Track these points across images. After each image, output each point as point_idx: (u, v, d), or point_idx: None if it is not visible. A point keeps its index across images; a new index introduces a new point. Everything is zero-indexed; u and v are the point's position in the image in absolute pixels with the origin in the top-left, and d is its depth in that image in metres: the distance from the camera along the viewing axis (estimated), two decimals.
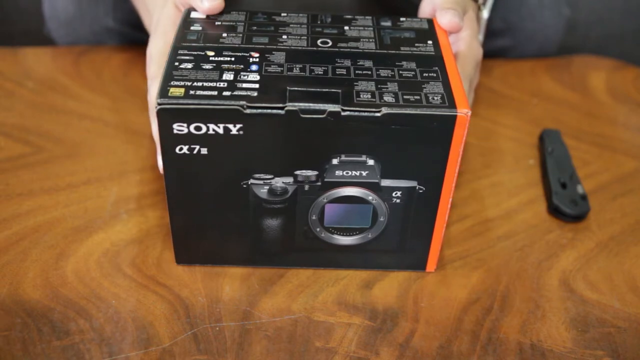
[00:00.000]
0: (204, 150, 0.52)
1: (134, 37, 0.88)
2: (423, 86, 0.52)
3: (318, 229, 0.57)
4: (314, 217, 0.56)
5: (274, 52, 0.55)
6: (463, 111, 0.50)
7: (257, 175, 0.53)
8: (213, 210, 0.56)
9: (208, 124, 0.50)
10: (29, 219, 0.63)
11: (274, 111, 0.50)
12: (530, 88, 0.85)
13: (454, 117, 0.50)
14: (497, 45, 0.90)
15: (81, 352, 0.52)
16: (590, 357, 0.55)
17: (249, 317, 0.56)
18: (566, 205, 0.66)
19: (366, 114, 0.50)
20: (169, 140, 0.51)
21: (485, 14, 0.70)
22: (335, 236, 0.57)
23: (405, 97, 0.51)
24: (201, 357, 0.53)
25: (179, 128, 0.50)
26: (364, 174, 0.54)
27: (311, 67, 0.53)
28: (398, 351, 0.54)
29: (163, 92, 0.50)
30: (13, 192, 0.65)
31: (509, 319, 0.57)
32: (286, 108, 0.50)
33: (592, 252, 0.64)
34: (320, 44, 0.56)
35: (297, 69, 0.53)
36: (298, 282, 0.59)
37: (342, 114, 0.50)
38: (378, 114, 0.50)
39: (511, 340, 0.56)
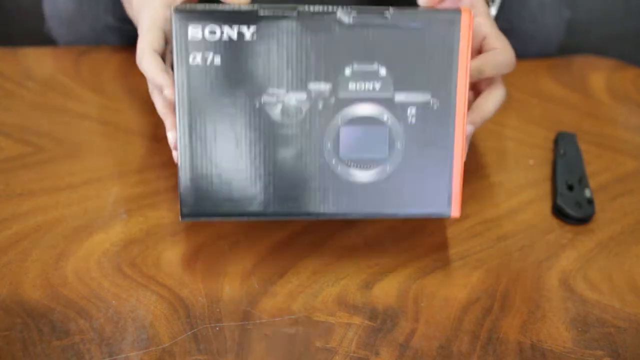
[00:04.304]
0: (217, 60, 0.52)
1: (135, 34, 0.87)
2: None
3: (334, 161, 0.56)
4: (329, 145, 0.55)
5: None
6: (467, 12, 0.54)
7: (270, 91, 0.53)
8: (224, 137, 0.55)
9: (223, 26, 0.52)
10: (29, 219, 0.63)
11: (287, 12, 0.52)
12: (530, 88, 0.85)
13: (459, 16, 0.53)
14: None
15: (81, 352, 0.52)
16: (590, 357, 0.55)
17: (249, 317, 0.56)
18: (570, 207, 0.66)
19: (375, 15, 0.53)
20: (183, 48, 0.52)
21: (493, 11, 0.71)
22: (352, 170, 0.56)
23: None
24: (201, 357, 0.53)
25: (194, 32, 0.52)
26: (377, 86, 0.54)
27: None
28: (398, 351, 0.54)
29: None
30: (13, 192, 0.65)
31: (509, 319, 0.57)
32: (299, 9, 0.52)
33: (592, 252, 0.64)
34: None
35: None
36: (298, 282, 0.59)
37: (352, 16, 0.52)
38: (387, 16, 0.52)
39: (511, 340, 0.56)
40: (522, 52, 0.91)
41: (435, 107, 0.55)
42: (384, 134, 0.55)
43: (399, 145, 0.56)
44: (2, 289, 0.56)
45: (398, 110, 0.55)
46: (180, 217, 0.57)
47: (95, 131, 0.73)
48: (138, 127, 0.74)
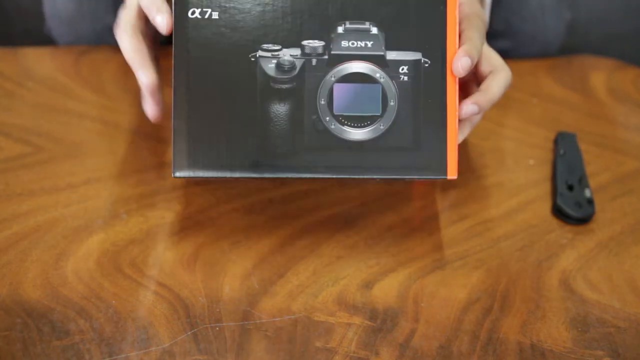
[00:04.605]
0: (215, 15, 0.54)
1: None
2: None
3: (328, 118, 0.56)
4: (322, 102, 0.56)
5: None
6: None
7: (265, 46, 0.55)
8: (220, 91, 0.55)
9: None
10: (29, 219, 0.63)
11: None
12: (530, 88, 0.85)
13: None
14: (497, 47, 0.90)
15: (81, 352, 0.52)
16: (590, 357, 0.55)
17: (249, 317, 0.56)
18: (570, 207, 0.66)
19: None
20: (182, 3, 0.54)
21: None
22: (346, 128, 0.56)
23: None
24: (201, 357, 0.53)
25: None
26: (369, 44, 0.56)
27: None
28: (398, 351, 0.54)
29: None
30: (13, 192, 0.65)
31: (509, 319, 0.57)
32: None
33: (592, 252, 0.64)
34: None
35: None
36: (298, 282, 0.59)
37: None
38: None
39: (511, 340, 0.56)
40: (522, 53, 0.92)
41: (426, 66, 0.56)
42: (377, 92, 0.56)
43: (392, 103, 0.57)
44: (2, 289, 0.57)
45: (390, 68, 0.56)
46: (172, 173, 0.56)
47: (95, 131, 0.73)
48: (138, 127, 0.74)
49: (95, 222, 0.63)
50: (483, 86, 0.61)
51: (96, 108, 0.76)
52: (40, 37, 0.91)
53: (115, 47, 0.86)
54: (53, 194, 0.65)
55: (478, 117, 0.63)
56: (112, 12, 0.85)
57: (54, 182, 0.67)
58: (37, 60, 0.84)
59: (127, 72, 0.82)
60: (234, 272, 0.59)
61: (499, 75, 0.62)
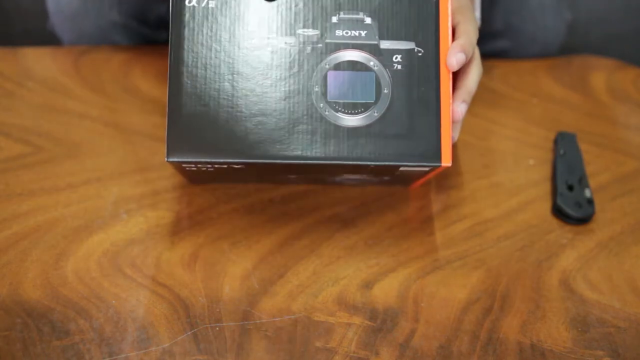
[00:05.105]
0: (212, 3, 0.55)
1: (140, 31, 0.87)
2: None
3: (322, 105, 0.57)
4: (316, 89, 0.56)
5: None
6: None
7: (260, 34, 0.56)
8: (214, 76, 0.56)
9: None
10: (29, 219, 0.63)
11: None
12: (530, 88, 0.85)
13: None
14: (497, 47, 0.90)
15: (81, 352, 0.52)
16: (590, 357, 0.55)
17: (249, 317, 0.56)
18: (570, 207, 0.67)
19: None
20: None
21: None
22: (340, 114, 0.57)
23: None
24: (201, 357, 0.53)
25: None
26: (363, 34, 0.56)
27: None
28: (398, 351, 0.54)
29: None
30: (13, 192, 0.65)
31: (509, 319, 0.57)
32: None
33: (592, 252, 0.64)
34: None
35: None
36: (298, 282, 0.59)
37: None
38: None
39: (511, 340, 0.56)
40: (522, 53, 0.92)
41: (420, 55, 0.57)
42: (370, 79, 0.57)
43: (386, 90, 0.57)
44: (2, 289, 0.57)
45: (384, 56, 0.57)
46: (166, 157, 0.56)
47: (95, 131, 0.73)
48: (138, 127, 0.74)
49: (95, 222, 0.63)
50: (461, 81, 0.61)
51: (96, 108, 0.76)
52: (41, 37, 0.91)
53: (115, 46, 0.86)
54: (53, 194, 0.65)
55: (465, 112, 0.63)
56: (116, 9, 0.85)
57: (54, 182, 0.67)
58: (37, 60, 0.84)
59: (127, 72, 0.82)
60: (234, 272, 0.59)
61: (474, 68, 0.62)
